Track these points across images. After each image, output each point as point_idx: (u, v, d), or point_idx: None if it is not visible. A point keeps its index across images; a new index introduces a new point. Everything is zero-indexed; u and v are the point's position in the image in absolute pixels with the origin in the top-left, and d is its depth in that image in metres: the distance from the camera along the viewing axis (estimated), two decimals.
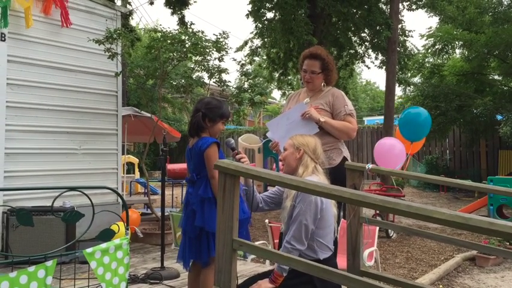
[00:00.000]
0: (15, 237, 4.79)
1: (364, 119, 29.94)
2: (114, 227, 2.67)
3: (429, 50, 14.64)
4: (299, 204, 2.58)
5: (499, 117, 13.42)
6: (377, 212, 6.98)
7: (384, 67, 11.86)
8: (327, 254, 2.69)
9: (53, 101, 5.90)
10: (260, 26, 11.54)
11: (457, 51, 14.89)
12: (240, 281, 2.78)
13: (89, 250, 2.34)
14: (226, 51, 6.42)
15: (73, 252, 2.50)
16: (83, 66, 6.22)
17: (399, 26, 11.81)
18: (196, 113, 3.18)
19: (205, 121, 3.14)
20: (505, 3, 13.15)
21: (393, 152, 4.05)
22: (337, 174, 3.26)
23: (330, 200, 2.68)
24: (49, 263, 2.09)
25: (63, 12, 5.89)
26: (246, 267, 4.66)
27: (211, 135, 3.19)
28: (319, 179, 2.72)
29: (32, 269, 2.03)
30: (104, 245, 2.42)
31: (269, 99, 31.50)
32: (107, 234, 2.51)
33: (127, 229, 2.68)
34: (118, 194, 2.84)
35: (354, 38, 12.20)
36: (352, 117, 3.51)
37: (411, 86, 15.02)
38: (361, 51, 12.76)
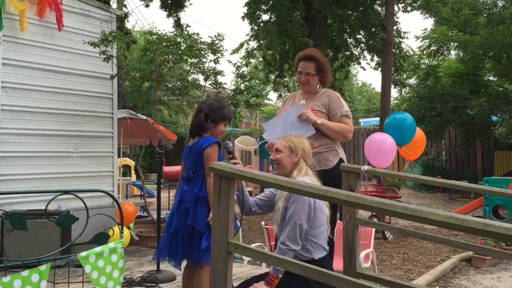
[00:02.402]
0: (11, 241, 4.76)
1: (360, 120, 30.00)
2: (110, 231, 2.65)
3: (425, 52, 14.70)
4: (292, 205, 2.57)
5: (494, 118, 13.47)
6: (374, 213, 6.99)
7: (379, 69, 11.90)
8: (322, 254, 2.68)
9: (48, 104, 5.88)
10: (256, 28, 11.55)
11: (452, 52, 14.96)
12: (236, 284, 2.78)
13: (83, 254, 2.32)
14: (222, 54, 6.41)
15: (67, 256, 2.48)
16: (78, 69, 6.20)
17: (395, 27, 11.85)
18: (198, 114, 3.19)
19: (207, 121, 3.17)
20: (500, 4, 13.22)
21: (383, 146, 4.03)
22: (333, 176, 3.26)
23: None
24: (43, 267, 2.07)
25: (58, 15, 5.86)
26: (242, 270, 4.65)
27: (212, 135, 3.21)
28: (311, 179, 2.71)
29: (25, 273, 2.02)
30: (98, 249, 2.40)
31: (265, 101, 31.53)
32: (101, 238, 2.50)
33: (122, 232, 2.67)
34: (112, 197, 2.83)
35: (349, 40, 12.22)
36: (348, 118, 3.52)
37: (407, 88, 15.07)
38: (357, 53, 12.80)
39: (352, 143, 17.24)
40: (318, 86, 3.60)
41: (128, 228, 5.94)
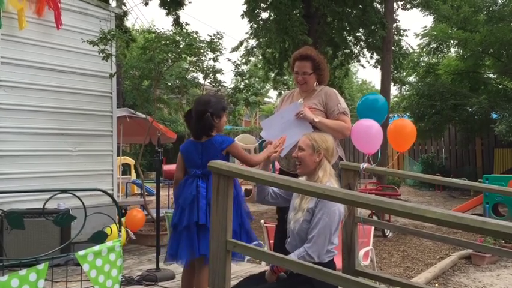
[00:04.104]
0: (10, 239, 4.76)
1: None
2: (107, 230, 2.65)
3: (424, 49, 14.68)
4: (323, 215, 2.55)
5: (494, 115, 13.47)
6: (373, 211, 6.99)
7: (379, 66, 11.88)
8: (331, 258, 2.68)
9: (47, 103, 5.88)
10: (255, 26, 11.53)
11: (452, 50, 14.95)
12: (235, 282, 2.78)
13: (81, 253, 2.32)
14: (221, 52, 6.41)
15: (64, 255, 2.48)
16: (77, 68, 6.20)
17: (394, 25, 11.82)
18: (202, 115, 3.16)
19: (213, 119, 3.20)
20: (499, 2, 13.19)
21: (371, 132, 4.04)
22: None
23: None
24: (41, 266, 2.07)
25: (56, 14, 5.85)
26: (241, 268, 4.65)
27: (218, 130, 3.26)
28: (336, 184, 2.71)
29: (23, 272, 2.02)
30: (96, 248, 2.40)
31: (265, 99, 31.50)
32: (99, 237, 2.50)
33: (120, 231, 2.67)
34: (110, 196, 2.82)
35: (349, 38, 12.20)
36: (346, 115, 3.50)
37: (407, 85, 15.05)
38: (356, 51, 12.78)
39: (351, 141, 17.23)
40: (315, 84, 3.59)
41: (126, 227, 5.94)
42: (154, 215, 5.93)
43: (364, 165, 2.99)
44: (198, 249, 3.08)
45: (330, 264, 2.64)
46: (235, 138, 3.50)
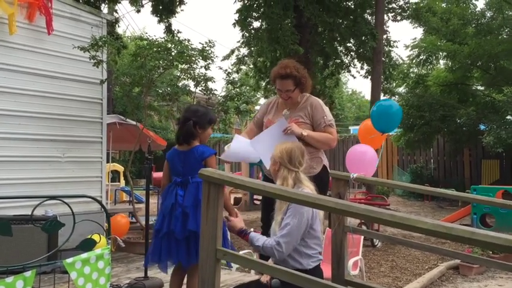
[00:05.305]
0: None
1: (350, 128, 30.12)
2: (95, 237, 2.62)
3: (414, 61, 14.84)
4: (292, 219, 2.56)
5: (482, 127, 13.63)
6: (362, 220, 7.01)
7: (369, 77, 11.98)
8: (314, 264, 2.67)
9: (37, 109, 5.83)
10: (247, 35, 11.58)
11: (441, 61, 15.11)
12: None
13: (69, 260, 2.30)
14: (212, 60, 6.42)
15: (52, 263, 2.45)
16: (67, 74, 6.16)
17: (384, 36, 11.95)
18: (186, 122, 3.23)
19: (196, 128, 3.23)
20: (488, 15, 13.40)
21: (365, 157, 4.07)
22: (318, 182, 3.27)
23: (319, 212, 2.68)
24: (28, 274, 2.04)
25: (47, 19, 5.82)
26: (230, 277, 4.63)
27: (202, 140, 3.29)
28: (308, 190, 2.70)
29: (10, 279, 1.99)
30: (84, 255, 2.38)
31: (256, 107, 31.55)
32: (88, 244, 2.47)
33: (109, 239, 2.64)
34: (99, 203, 2.81)
35: (340, 48, 12.31)
36: (332, 127, 3.55)
37: (396, 96, 15.17)
38: (347, 61, 12.88)
39: (342, 151, 17.29)
40: (299, 96, 3.62)
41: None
42: (143, 222, 5.89)
43: (355, 174, 3.01)
44: (176, 256, 3.12)
45: (317, 270, 2.64)
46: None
